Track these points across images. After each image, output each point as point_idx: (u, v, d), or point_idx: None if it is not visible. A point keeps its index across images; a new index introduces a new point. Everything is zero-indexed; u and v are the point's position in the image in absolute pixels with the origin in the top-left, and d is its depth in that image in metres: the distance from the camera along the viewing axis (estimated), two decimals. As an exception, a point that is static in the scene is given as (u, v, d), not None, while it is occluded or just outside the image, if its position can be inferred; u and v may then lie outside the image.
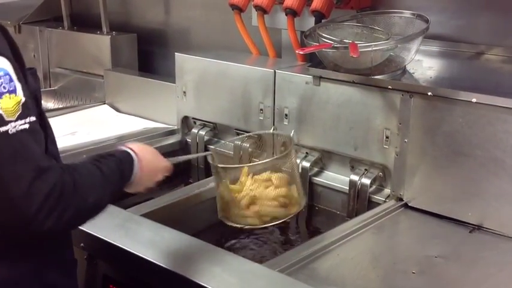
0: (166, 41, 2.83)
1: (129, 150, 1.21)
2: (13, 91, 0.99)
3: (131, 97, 2.63)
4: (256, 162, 1.53)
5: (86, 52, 2.83)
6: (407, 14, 1.82)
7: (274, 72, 1.99)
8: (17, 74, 1.01)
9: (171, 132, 2.35)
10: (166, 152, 2.28)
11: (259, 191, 1.46)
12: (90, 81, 2.84)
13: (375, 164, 1.81)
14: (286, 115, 1.99)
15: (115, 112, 2.66)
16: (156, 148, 2.24)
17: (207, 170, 2.27)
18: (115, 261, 1.48)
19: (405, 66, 1.79)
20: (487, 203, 1.57)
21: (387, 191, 1.80)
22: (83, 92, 2.87)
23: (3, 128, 0.97)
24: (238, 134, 2.15)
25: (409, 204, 1.73)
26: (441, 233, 1.60)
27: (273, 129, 1.87)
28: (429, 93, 1.62)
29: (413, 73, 1.78)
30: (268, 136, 1.83)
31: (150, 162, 1.25)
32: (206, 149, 2.26)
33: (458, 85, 1.64)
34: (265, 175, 1.50)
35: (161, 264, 1.34)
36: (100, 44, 2.76)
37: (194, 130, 2.28)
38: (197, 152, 2.27)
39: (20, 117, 0.99)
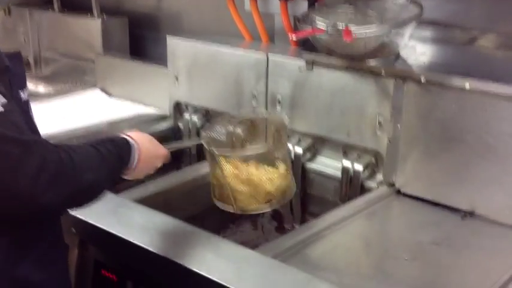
0: (158, 25, 2.79)
1: (127, 137, 1.21)
2: None
3: (123, 82, 2.61)
4: (251, 150, 1.52)
5: (76, 36, 2.80)
6: (401, -1, 1.81)
7: (267, 57, 1.98)
8: None
9: (163, 118, 2.34)
10: (158, 138, 2.28)
11: (252, 176, 1.45)
12: (81, 66, 2.81)
13: (367, 150, 1.81)
14: (279, 101, 1.98)
15: (106, 96, 2.64)
16: (150, 134, 2.25)
17: (199, 157, 2.26)
18: (107, 246, 1.48)
19: (399, 51, 1.78)
20: (479, 190, 1.58)
21: (380, 177, 1.80)
22: (74, 76, 2.84)
23: None
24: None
25: (401, 191, 1.73)
26: (433, 219, 1.60)
27: (266, 114, 1.85)
28: (422, 79, 1.61)
29: (406, 59, 1.78)
30: (261, 120, 1.82)
31: (149, 150, 1.25)
32: (198, 135, 2.25)
33: (451, 71, 1.63)
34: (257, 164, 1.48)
35: (153, 250, 1.33)
36: (91, 27, 2.73)
37: (186, 116, 2.26)
38: (189, 137, 2.26)
39: None
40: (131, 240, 1.37)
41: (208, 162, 1.49)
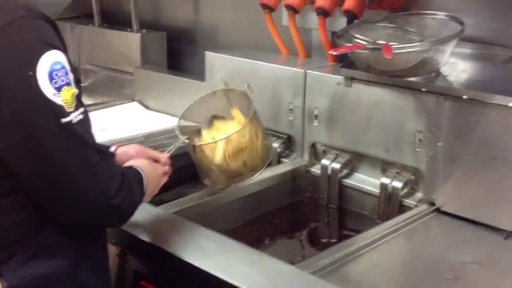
0: (195, 39, 2.84)
1: (134, 167, 1.28)
2: (69, 83, 1.03)
3: (160, 95, 2.65)
4: (228, 135, 1.68)
5: (115, 49, 2.86)
6: (441, 15, 1.79)
7: (305, 72, 1.98)
8: (70, 65, 1.05)
9: (200, 131, 2.35)
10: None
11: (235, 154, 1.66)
12: (119, 78, 2.86)
13: (406, 167, 1.79)
14: (316, 116, 1.98)
15: (144, 109, 2.68)
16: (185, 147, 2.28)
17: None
18: (147, 258, 1.49)
19: (439, 68, 1.76)
20: (522, 209, 1.55)
21: (419, 195, 1.78)
22: (113, 88, 2.90)
23: (67, 119, 1.02)
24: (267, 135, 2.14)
25: (442, 209, 1.70)
26: (475, 239, 1.57)
27: (224, 85, 1.94)
28: (464, 97, 1.60)
29: (447, 76, 1.76)
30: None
31: (152, 173, 1.33)
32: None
33: (493, 88, 1.61)
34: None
35: (193, 263, 1.34)
36: (130, 41, 2.78)
37: (222, 128, 2.27)
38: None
39: (76, 108, 1.03)
40: (171, 252, 1.38)
41: (191, 154, 1.70)
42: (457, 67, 1.82)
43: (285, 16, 2.23)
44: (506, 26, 1.88)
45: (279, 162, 2.11)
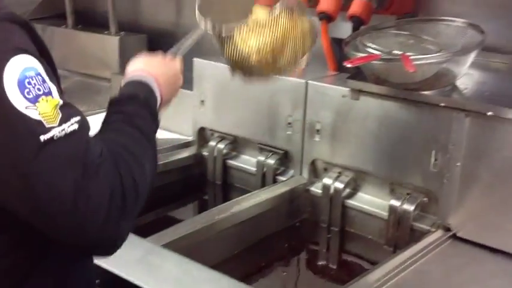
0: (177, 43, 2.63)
1: (142, 77, 1.08)
2: (49, 93, 0.81)
3: (140, 103, 2.44)
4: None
5: (91, 53, 2.63)
6: (458, 22, 1.64)
7: (307, 83, 1.81)
8: (48, 74, 0.83)
9: (186, 145, 2.15)
10: (181, 167, 2.11)
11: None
12: (94, 85, 2.64)
13: (418, 188, 1.63)
14: (318, 130, 1.81)
15: (123, 119, 2.46)
16: (170, 162, 2.07)
17: (224, 187, 2.09)
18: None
19: (456, 81, 1.61)
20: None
21: (431, 218, 1.63)
22: (87, 96, 2.66)
23: (48, 135, 0.79)
24: (261, 150, 1.97)
25: (458, 235, 1.55)
26: (500, 270, 1.42)
27: None
28: (489, 113, 1.44)
29: (464, 89, 1.60)
30: None
31: (165, 75, 1.13)
32: (225, 164, 2.07)
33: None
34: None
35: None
36: (107, 45, 2.56)
37: (212, 143, 2.09)
38: (214, 168, 2.09)
39: (62, 122, 0.81)
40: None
41: (219, 47, 1.36)
42: (473, 79, 1.67)
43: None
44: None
45: (274, 181, 1.93)
